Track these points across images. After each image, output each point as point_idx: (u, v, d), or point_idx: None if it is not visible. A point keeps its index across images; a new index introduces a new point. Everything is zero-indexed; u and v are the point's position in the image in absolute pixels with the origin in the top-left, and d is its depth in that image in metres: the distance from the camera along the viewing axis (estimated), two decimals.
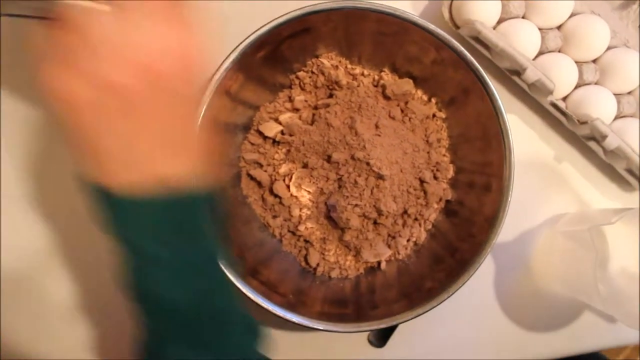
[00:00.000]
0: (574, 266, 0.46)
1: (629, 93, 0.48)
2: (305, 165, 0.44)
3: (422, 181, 0.45)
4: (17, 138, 0.48)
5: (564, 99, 0.48)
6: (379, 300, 0.44)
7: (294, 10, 0.40)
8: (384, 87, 0.45)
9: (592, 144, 0.48)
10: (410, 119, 0.45)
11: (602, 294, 0.40)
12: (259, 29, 0.40)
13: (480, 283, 0.49)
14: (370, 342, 0.48)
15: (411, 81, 0.45)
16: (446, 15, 0.47)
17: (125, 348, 0.47)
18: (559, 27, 0.48)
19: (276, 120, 0.45)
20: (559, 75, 0.46)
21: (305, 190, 0.44)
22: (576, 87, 0.48)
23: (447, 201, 0.46)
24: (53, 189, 0.48)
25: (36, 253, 0.48)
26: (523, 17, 0.47)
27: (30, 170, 0.48)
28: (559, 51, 0.48)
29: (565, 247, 0.47)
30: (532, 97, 0.48)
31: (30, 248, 0.48)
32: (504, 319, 0.50)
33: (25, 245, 0.48)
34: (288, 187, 0.44)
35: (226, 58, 0.40)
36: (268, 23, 0.40)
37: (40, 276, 0.48)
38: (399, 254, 0.46)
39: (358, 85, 0.45)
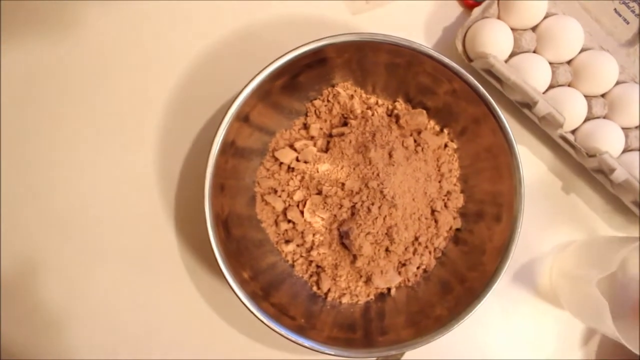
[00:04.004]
0: (581, 293, 0.46)
1: (637, 127, 0.49)
2: (319, 192, 0.45)
3: (433, 210, 0.46)
4: (18, 139, 0.49)
5: (573, 132, 0.49)
6: (388, 327, 0.44)
7: (312, 42, 0.41)
8: (397, 116, 0.46)
9: (600, 177, 0.49)
10: (423, 148, 0.45)
11: (611, 321, 0.41)
12: (278, 59, 0.41)
13: (487, 307, 0.49)
14: None
15: (424, 112, 0.46)
16: (459, 48, 0.48)
17: (121, 349, 0.48)
18: (569, 62, 0.49)
19: (291, 146, 0.46)
20: (569, 109, 0.47)
21: (319, 216, 0.45)
22: (585, 121, 0.48)
23: (457, 230, 0.47)
24: (53, 191, 0.49)
25: (35, 254, 0.49)
26: (534, 52, 0.48)
27: (29, 173, 0.49)
28: (569, 85, 0.49)
29: (573, 275, 0.48)
30: (542, 130, 0.49)
31: (29, 250, 0.49)
32: (510, 344, 0.50)
33: (24, 247, 0.49)
34: (302, 213, 0.45)
35: (246, 86, 0.41)
36: (287, 53, 0.41)
37: (40, 278, 0.49)
38: (408, 280, 0.46)
39: (372, 115, 0.46)
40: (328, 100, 0.47)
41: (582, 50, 0.48)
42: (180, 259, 0.49)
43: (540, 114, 0.47)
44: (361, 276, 0.45)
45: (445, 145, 0.47)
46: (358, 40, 0.42)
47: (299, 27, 0.50)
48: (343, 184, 0.44)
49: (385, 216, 0.43)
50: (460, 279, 0.45)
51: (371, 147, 0.43)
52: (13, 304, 0.48)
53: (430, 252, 0.46)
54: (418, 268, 0.46)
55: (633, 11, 0.49)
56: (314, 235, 0.45)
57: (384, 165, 0.43)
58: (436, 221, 0.45)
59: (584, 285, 0.43)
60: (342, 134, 0.45)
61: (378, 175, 0.43)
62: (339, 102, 0.46)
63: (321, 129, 0.47)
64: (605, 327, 0.42)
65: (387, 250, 0.44)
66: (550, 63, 0.48)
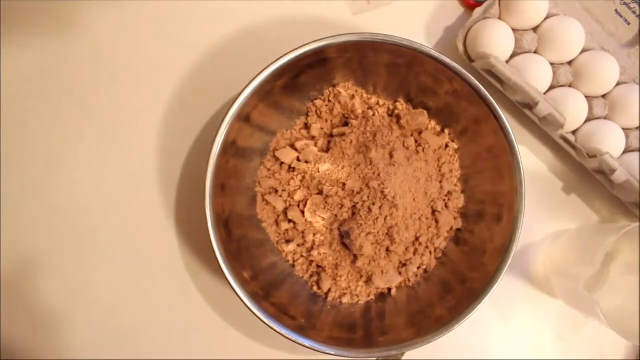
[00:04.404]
0: (572, 289, 0.46)
1: (637, 128, 0.49)
2: (320, 192, 0.45)
3: (433, 210, 0.46)
4: (18, 138, 0.49)
5: (574, 132, 0.49)
6: (389, 327, 0.44)
7: (313, 42, 0.41)
8: (398, 117, 0.46)
9: (601, 177, 0.49)
10: (423, 149, 0.45)
11: (601, 310, 0.41)
12: (279, 59, 0.41)
13: (487, 307, 0.49)
14: None
15: (426, 112, 0.46)
16: (460, 48, 0.48)
17: (121, 349, 0.48)
18: (570, 63, 0.49)
19: (292, 146, 0.46)
20: (570, 110, 0.47)
21: (320, 216, 0.45)
22: (586, 121, 0.49)
23: (458, 230, 0.47)
24: (53, 191, 0.49)
25: (35, 254, 0.49)
26: (535, 52, 0.48)
27: (29, 173, 0.49)
28: (570, 86, 0.49)
29: (563, 272, 0.48)
30: (543, 130, 0.49)
31: (29, 250, 0.49)
32: (511, 344, 0.50)
33: (24, 247, 0.49)
34: (303, 213, 0.45)
35: (247, 86, 0.41)
36: (288, 53, 0.41)
37: (40, 278, 0.49)
38: (409, 281, 0.46)
39: (373, 115, 0.46)
40: (329, 100, 0.47)
41: (583, 51, 0.48)
42: (180, 259, 0.49)
43: (541, 115, 0.47)
44: (362, 276, 0.45)
45: (446, 146, 0.47)
46: (359, 40, 0.42)
47: (300, 27, 0.50)
48: (344, 184, 0.44)
49: (386, 216, 0.43)
50: (461, 279, 0.45)
51: (372, 147, 0.43)
52: (13, 304, 0.48)
53: (430, 253, 0.46)
54: (419, 268, 0.46)
55: (634, 12, 0.50)
56: (314, 235, 0.45)
57: (384, 166, 0.43)
58: (437, 221, 0.45)
59: (574, 283, 0.43)
60: (343, 134, 0.45)
61: (379, 175, 0.43)
62: (340, 102, 0.46)
63: (322, 129, 0.47)
64: (598, 319, 0.42)
65: (387, 250, 0.44)
66: (551, 64, 0.48)
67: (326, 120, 0.47)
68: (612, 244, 0.42)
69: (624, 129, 0.48)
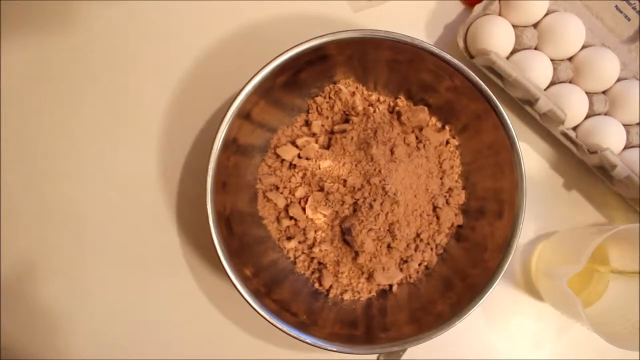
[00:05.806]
0: (557, 288, 0.46)
1: (638, 124, 0.49)
2: (321, 189, 0.45)
3: (434, 206, 0.46)
4: (18, 138, 0.50)
5: (575, 128, 0.49)
6: (390, 323, 0.44)
7: (313, 39, 0.41)
8: (399, 113, 0.46)
9: (601, 173, 0.49)
10: (424, 145, 0.45)
11: (584, 316, 0.41)
12: (279, 56, 0.41)
13: (487, 304, 0.49)
14: None
15: (426, 109, 0.46)
16: (461, 44, 0.48)
17: (122, 347, 0.48)
18: (570, 59, 0.49)
19: (293, 143, 0.46)
20: (570, 106, 0.47)
21: (321, 213, 0.45)
22: (586, 117, 0.48)
23: (459, 226, 0.47)
24: (53, 190, 0.49)
25: (35, 254, 0.49)
26: (536, 49, 0.48)
27: (29, 172, 0.49)
28: (570, 82, 0.49)
29: (547, 271, 0.48)
30: (544, 126, 0.49)
31: (29, 249, 0.49)
32: (513, 341, 0.50)
33: (24, 247, 0.49)
34: (304, 209, 0.45)
35: (247, 83, 0.41)
36: (288, 50, 0.41)
37: (40, 278, 0.49)
38: (410, 277, 0.47)
39: (374, 112, 0.46)
40: (330, 97, 0.47)
41: (583, 47, 0.48)
42: (182, 257, 0.49)
43: (542, 111, 0.47)
44: (363, 273, 0.46)
45: (447, 142, 0.47)
46: (359, 37, 0.42)
47: (301, 24, 0.50)
48: (345, 181, 0.44)
49: (387, 212, 0.43)
50: (462, 275, 0.45)
51: (373, 143, 0.43)
52: (13, 304, 0.48)
53: (431, 249, 0.46)
54: (420, 264, 0.46)
55: (634, 8, 0.50)
56: (315, 232, 0.45)
57: (385, 162, 0.43)
58: (438, 218, 0.46)
59: (558, 282, 0.43)
60: (344, 131, 0.45)
61: (380, 171, 0.43)
62: (340, 99, 0.46)
63: (323, 125, 0.47)
64: (581, 320, 0.42)
65: (388, 246, 0.44)
66: (552, 60, 0.48)
67: (327, 117, 0.47)
68: (598, 244, 0.41)
69: (624, 125, 0.48)
